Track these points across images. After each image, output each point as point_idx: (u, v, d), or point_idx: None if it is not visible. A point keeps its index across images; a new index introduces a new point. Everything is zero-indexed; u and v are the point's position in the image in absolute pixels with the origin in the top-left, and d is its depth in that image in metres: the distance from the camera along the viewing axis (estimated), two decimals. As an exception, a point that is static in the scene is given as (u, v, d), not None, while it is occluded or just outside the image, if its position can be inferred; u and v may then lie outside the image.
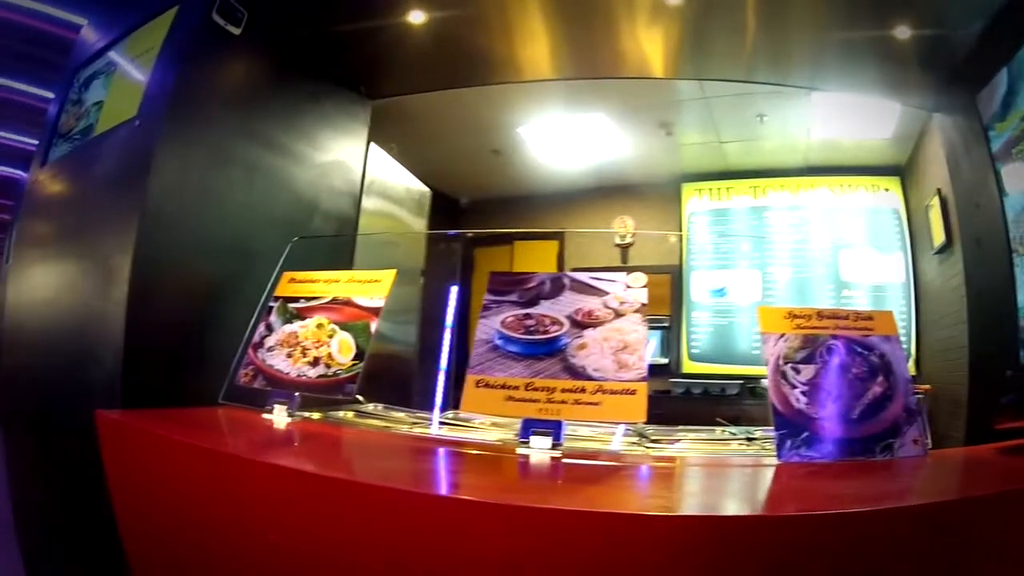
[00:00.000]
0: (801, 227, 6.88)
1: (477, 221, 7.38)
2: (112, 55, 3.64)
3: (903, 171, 6.42)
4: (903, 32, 3.65)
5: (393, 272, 2.83)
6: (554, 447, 2.10)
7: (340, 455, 2.40)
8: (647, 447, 2.46)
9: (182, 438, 2.18)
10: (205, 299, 3.11)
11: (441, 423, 3.00)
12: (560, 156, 6.41)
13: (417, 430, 2.83)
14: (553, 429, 2.12)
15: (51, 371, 3.18)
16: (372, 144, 4.58)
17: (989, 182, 3.60)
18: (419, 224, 6.11)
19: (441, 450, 2.41)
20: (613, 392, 2.17)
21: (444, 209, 6.84)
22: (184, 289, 3.03)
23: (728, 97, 5.35)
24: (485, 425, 2.82)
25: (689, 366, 6.83)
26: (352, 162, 4.33)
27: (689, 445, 2.67)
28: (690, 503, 1.92)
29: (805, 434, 2.13)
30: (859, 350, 2.31)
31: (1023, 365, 3.27)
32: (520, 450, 2.12)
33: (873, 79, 4.18)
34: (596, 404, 2.16)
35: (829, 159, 6.51)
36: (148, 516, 2.23)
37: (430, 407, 3.58)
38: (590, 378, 2.22)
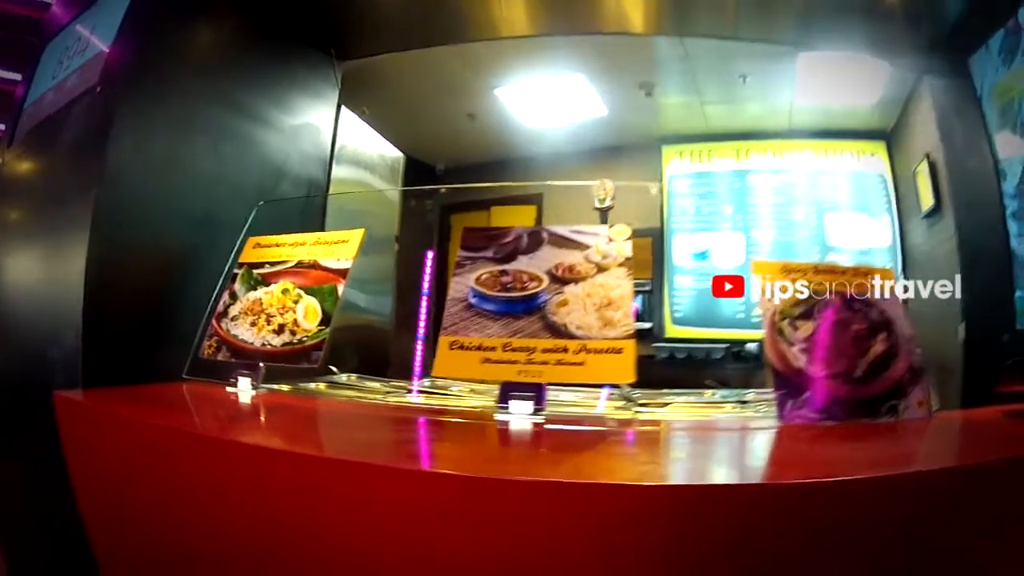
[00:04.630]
0: (785, 190, 6.63)
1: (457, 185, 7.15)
2: (78, 27, 3.48)
3: (889, 136, 6.18)
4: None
5: (361, 232, 2.68)
6: (536, 412, 1.95)
7: (306, 428, 2.23)
8: (635, 411, 2.32)
9: (137, 416, 2.05)
10: (171, 270, 2.94)
11: (418, 392, 2.86)
12: (537, 119, 6.16)
13: (392, 399, 2.68)
14: (534, 392, 1.97)
15: (12, 353, 3.04)
16: (344, 109, 4.43)
17: (981, 146, 3.54)
18: (394, 194, 5.98)
19: (416, 419, 2.27)
20: (598, 351, 2.02)
21: (419, 176, 6.62)
22: (148, 260, 2.85)
23: (711, 57, 5.13)
24: (464, 392, 2.67)
25: (672, 330, 6.62)
26: (322, 126, 4.18)
27: (679, 409, 2.54)
28: (685, 471, 1.76)
29: (806, 394, 2.00)
30: (858, 307, 2.19)
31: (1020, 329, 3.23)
32: (499, 416, 1.97)
33: (862, 37, 4.03)
34: (580, 364, 2.00)
35: (814, 123, 6.24)
36: (111, 501, 2.10)
37: (406, 376, 3.43)
38: (573, 336, 2.06)
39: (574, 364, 2.01)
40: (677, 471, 1.74)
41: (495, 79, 5.47)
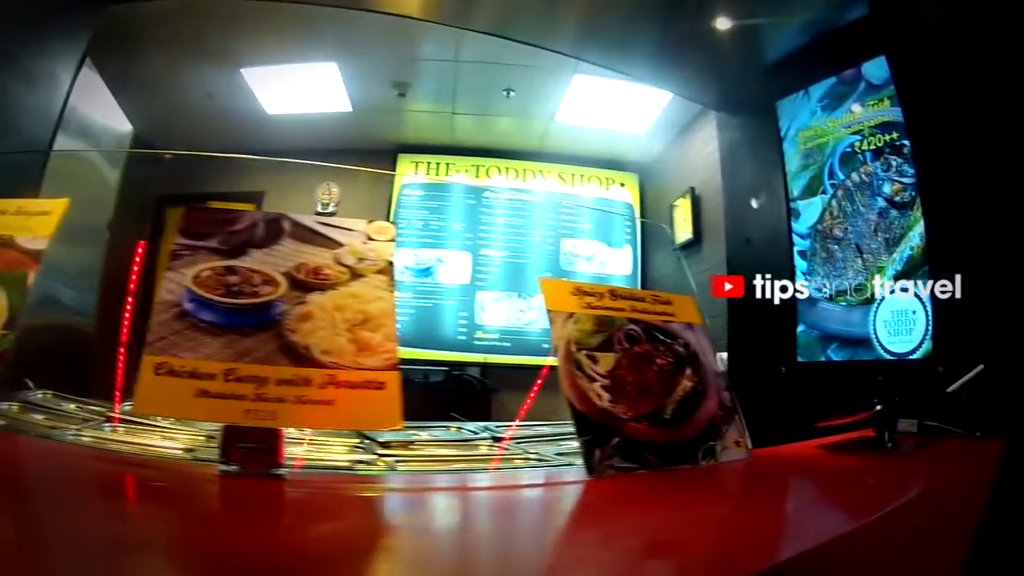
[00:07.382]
0: (523, 212, 6.84)
1: (177, 174, 6.23)
2: None
3: (644, 168, 6.63)
4: (722, 23, 3.80)
5: (63, 202, 2.01)
6: (270, 471, 1.44)
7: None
8: (383, 459, 1.94)
9: None
10: None
11: (122, 420, 2.22)
12: (278, 107, 5.77)
13: (87, 434, 2.04)
14: (265, 443, 1.45)
15: None
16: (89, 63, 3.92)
17: (774, 184, 3.90)
18: (113, 175, 5.31)
19: (100, 480, 1.55)
20: (352, 385, 1.53)
21: (142, 162, 5.93)
22: None
23: (480, 64, 5.08)
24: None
25: (386, 349, 6.40)
26: (61, 75, 3.60)
27: (434, 452, 2.19)
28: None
29: (616, 440, 1.72)
30: (661, 338, 2.02)
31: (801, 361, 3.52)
32: (224, 468, 1.43)
33: (657, 66, 4.31)
34: (329, 403, 1.49)
35: (567, 148, 6.53)
36: None
37: (111, 394, 2.79)
38: (318, 364, 1.55)
39: (320, 403, 1.49)
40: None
41: (246, 55, 5.06)
